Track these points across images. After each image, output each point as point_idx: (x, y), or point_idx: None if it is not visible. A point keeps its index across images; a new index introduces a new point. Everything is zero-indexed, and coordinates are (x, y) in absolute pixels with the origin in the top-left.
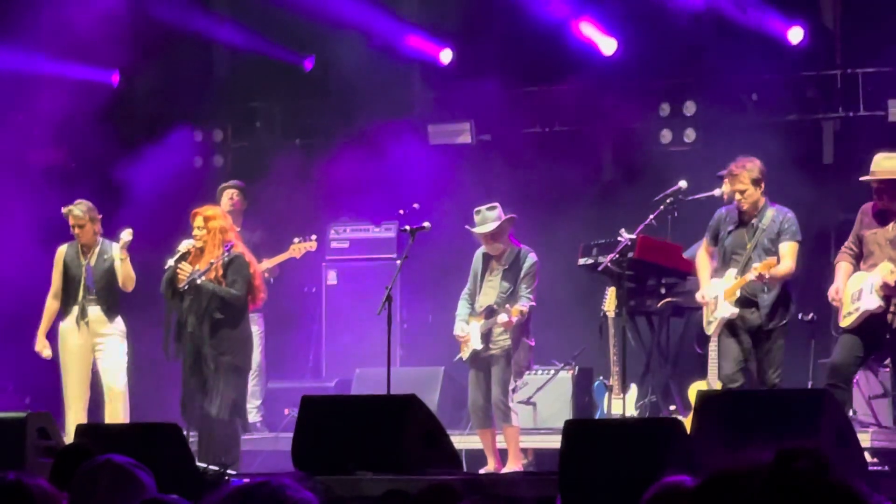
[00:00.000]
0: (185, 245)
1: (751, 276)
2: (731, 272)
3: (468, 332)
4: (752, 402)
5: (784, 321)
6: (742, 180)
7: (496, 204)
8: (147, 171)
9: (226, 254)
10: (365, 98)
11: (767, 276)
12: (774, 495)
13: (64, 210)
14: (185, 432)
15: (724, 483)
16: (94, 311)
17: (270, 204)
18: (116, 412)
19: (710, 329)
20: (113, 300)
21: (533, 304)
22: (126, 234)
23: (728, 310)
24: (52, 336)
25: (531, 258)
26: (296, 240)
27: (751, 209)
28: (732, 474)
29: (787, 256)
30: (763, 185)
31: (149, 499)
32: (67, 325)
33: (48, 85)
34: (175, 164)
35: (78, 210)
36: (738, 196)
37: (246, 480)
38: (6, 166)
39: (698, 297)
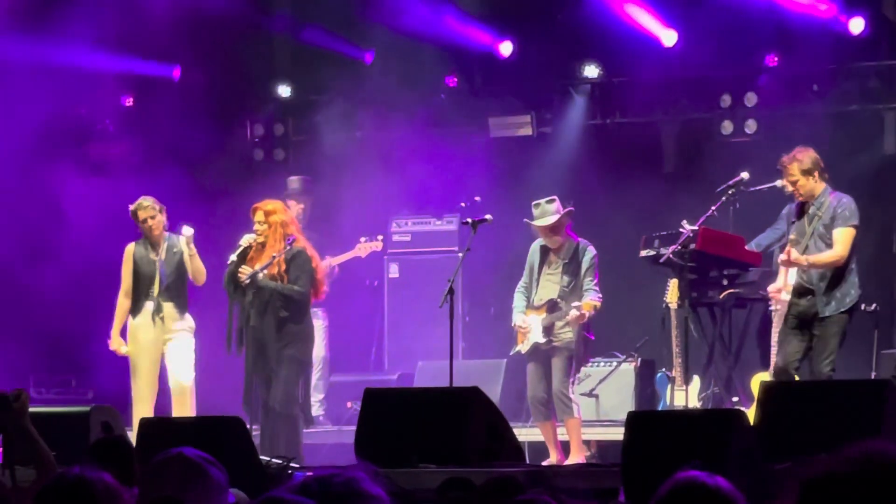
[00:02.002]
0: (246, 240)
1: (781, 257)
2: None
3: (528, 323)
4: (814, 393)
5: (842, 310)
6: (792, 171)
7: (554, 197)
8: (207, 165)
9: (287, 247)
10: (425, 91)
11: (805, 263)
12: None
13: (132, 207)
14: (247, 426)
15: (832, 480)
16: (168, 307)
17: (331, 198)
18: (184, 408)
19: (775, 319)
20: (183, 295)
21: (601, 297)
22: (187, 230)
23: (784, 300)
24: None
25: (590, 251)
26: (362, 239)
27: (808, 198)
28: (839, 470)
29: (839, 243)
30: (817, 175)
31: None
32: (139, 322)
33: (111, 79)
34: (236, 159)
35: (147, 201)
36: (790, 188)
37: (309, 473)
38: (69, 160)
39: (770, 288)
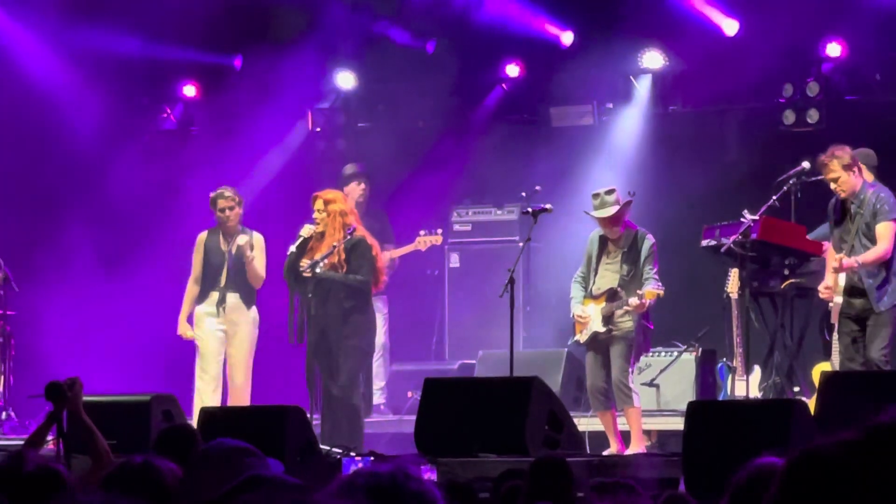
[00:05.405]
0: (306, 230)
1: (833, 265)
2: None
3: (587, 313)
4: (876, 383)
5: (894, 303)
6: (833, 168)
7: (614, 188)
8: (269, 153)
9: (347, 236)
10: (486, 80)
11: (856, 265)
12: (867, 473)
13: (212, 194)
14: (308, 415)
15: (814, 461)
16: (233, 298)
17: (392, 187)
18: (238, 401)
19: (833, 315)
20: (251, 288)
21: (661, 285)
22: (242, 239)
23: (837, 299)
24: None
25: (649, 239)
26: (422, 232)
27: (849, 195)
28: (822, 452)
29: (883, 238)
30: (857, 170)
31: (251, 476)
32: (204, 310)
33: (172, 69)
34: (297, 148)
35: (228, 191)
36: (833, 185)
37: (358, 460)
38: (134, 148)
39: (821, 287)
